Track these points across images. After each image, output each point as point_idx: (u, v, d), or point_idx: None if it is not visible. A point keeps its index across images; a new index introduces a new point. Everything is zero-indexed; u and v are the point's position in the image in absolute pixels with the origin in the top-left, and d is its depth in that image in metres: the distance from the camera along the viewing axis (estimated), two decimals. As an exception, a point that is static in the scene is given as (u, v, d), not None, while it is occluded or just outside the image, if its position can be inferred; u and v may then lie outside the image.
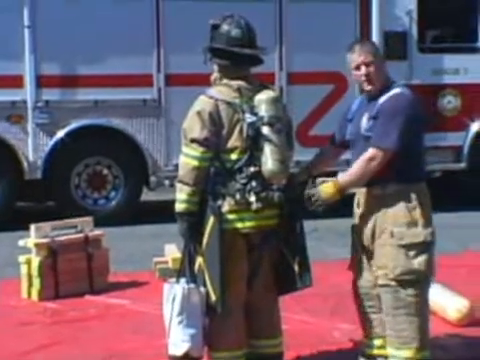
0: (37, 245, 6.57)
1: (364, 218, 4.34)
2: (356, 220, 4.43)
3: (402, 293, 4.23)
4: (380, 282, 4.29)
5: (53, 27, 9.75)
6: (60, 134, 9.86)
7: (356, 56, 4.30)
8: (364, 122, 4.30)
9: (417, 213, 4.23)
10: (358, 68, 4.30)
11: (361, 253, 4.44)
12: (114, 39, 9.87)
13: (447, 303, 5.64)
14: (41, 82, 9.82)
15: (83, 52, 9.80)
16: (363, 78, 4.29)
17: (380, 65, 4.32)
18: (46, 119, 9.84)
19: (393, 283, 4.24)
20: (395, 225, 4.22)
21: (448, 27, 11.47)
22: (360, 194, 4.38)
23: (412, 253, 4.22)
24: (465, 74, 10.94)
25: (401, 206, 4.21)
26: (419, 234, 4.22)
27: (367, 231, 4.33)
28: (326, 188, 4.22)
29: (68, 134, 9.86)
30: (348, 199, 4.46)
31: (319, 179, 4.26)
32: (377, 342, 4.49)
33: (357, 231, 4.43)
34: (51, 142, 9.87)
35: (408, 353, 4.26)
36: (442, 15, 11.01)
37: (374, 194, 4.28)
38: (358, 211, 4.41)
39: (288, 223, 4.35)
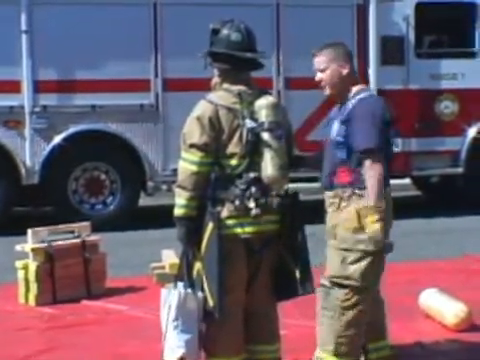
0: (34, 250, 6.56)
1: (328, 221, 4.37)
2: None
3: (331, 295, 4.25)
4: (320, 281, 4.33)
5: (50, 32, 9.76)
6: (57, 139, 9.87)
7: (314, 62, 4.41)
8: (335, 128, 4.34)
9: (368, 220, 4.16)
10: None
11: None
12: (111, 44, 9.88)
13: (445, 308, 5.64)
14: (38, 87, 9.83)
15: (80, 57, 9.80)
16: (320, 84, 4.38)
17: (336, 71, 4.34)
18: (44, 124, 9.84)
19: (326, 283, 4.26)
20: (343, 229, 4.21)
21: (445, 32, 11.51)
22: (325, 198, 4.41)
23: (350, 259, 4.20)
24: (462, 79, 10.97)
25: (353, 211, 4.19)
26: (361, 241, 4.16)
27: (328, 234, 4.34)
28: (372, 224, 4.12)
29: (65, 139, 9.86)
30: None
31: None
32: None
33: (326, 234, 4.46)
34: (48, 147, 9.87)
35: (322, 354, 4.29)
36: (439, 20, 11.05)
37: (334, 197, 4.30)
38: (326, 215, 4.43)
39: (290, 231, 4.34)
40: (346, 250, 4.21)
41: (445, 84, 10.96)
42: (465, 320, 5.54)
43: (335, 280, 4.24)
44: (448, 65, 10.98)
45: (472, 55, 11.12)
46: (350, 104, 4.30)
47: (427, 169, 11.06)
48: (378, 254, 4.20)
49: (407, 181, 12.56)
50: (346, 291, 4.23)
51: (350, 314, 4.24)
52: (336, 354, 4.27)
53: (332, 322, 4.24)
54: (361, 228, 4.17)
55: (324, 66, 4.35)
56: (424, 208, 11.40)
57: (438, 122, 10.91)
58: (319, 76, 4.38)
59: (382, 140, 4.20)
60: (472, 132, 11.02)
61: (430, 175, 11.63)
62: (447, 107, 10.99)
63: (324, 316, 4.28)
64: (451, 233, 8.96)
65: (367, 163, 4.18)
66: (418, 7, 10.78)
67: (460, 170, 11.04)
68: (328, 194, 4.36)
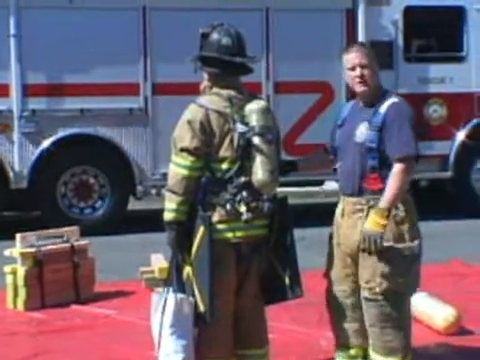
0: (23, 255, 6.53)
1: (349, 229, 4.32)
2: (339, 230, 4.40)
3: (389, 307, 4.23)
4: (366, 295, 4.28)
5: (39, 36, 9.73)
6: (46, 143, 9.84)
7: (352, 57, 4.31)
8: (362, 131, 4.27)
9: (405, 226, 4.21)
10: (353, 69, 4.30)
11: (339, 262, 4.43)
12: (101, 48, 9.86)
13: (434, 312, 5.65)
14: (27, 91, 9.80)
15: (69, 61, 9.78)
16: (357, 79, 4.28)
17: (374, 70, 4.31)
18: (32, 128, 9.82)
19: (380, 297, 4.23)
20: (385, 240, 4.17)
21: (433, 37, 11.55)
22: (346, 203, 4.36)
23: (399, 267, 4.20)
24: (451, 83, 11.00)
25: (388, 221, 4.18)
26: (406, 248, 4.20)
27: (352, 242, 4.29)
28: (375, 223, 4.13)
29: (54, 143, 9.84)
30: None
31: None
32: (352, 352, 4.49)
33: (340, 241, 4.40)
34: (37, 151, 9.84)
35: None
36: (427, 25, 11.08)
37: (362, 204, 4.26)
38: (342, 220, 4.38)
39: (279, 235, 4.33)
40: (392, 261, 4.17)
41: (433, 88, 10.99)
42: (454, 324, 5.55)
43: (389, 292, 4.20)
44: (436, 69, 11.01)
45: (460, 59, 11.15)
46: (382, 108, 4.24)
47: (416, 173, 11.06)
48: (421, 256, 4.27)
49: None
50: (402, 297, 4.25)
51: (409, 316, 4.33)
52: (407, 354, 4.30)
53: (397, 330, 4.24)
54: (401, 235, 4.19)
55: (366, 62, 4.27)
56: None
57: (427, 126, 10.93)
58: (360, 71, 4.26)
59: (417, 145, 4.20)
60: (460, 136, 11.05)
61: (419, 179, 11.66)
62: (435, 111, 11.03)
63: (387, 328, 4.23)
64: (440, 237, 8.98)
65: (400, 167, 4.15)
66: (407, 12, 10.82)
67: (449, 174, 11.07)
68: (352, 200, 4.30)
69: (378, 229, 4.13)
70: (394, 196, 4.15)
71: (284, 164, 4.48)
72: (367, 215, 4.21)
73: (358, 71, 4.28)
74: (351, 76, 4.32)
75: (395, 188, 4.15)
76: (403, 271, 4.22)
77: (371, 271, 4.23)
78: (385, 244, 4.16)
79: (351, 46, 4.44)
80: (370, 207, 4.21)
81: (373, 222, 4.14)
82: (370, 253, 4.17)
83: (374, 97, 4.31)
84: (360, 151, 4.26)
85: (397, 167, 4.16)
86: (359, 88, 4.31)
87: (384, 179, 4.21)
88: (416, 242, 4.24)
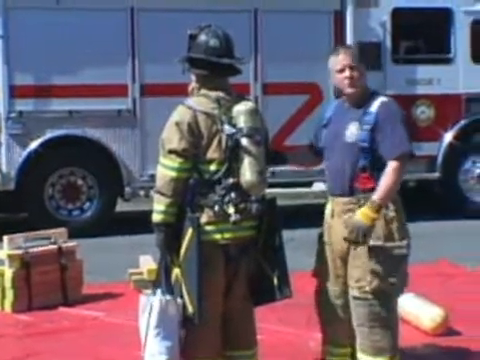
0: (10, 256, 6.51)
1: (339, 228, 4.33)
2: (329, 230, 4.41)
3: (378, 307, 4.24)
4: (355, 294, 4.29)
5: (26, 37, 9.70)
6: (34, 145, 9.80)
7: (341, 58, 4.31)
8: (353, 132, 4.28)
9: (394, 225, 4.23)
10: (342, 71, 4.30)
11: (330, 263, 4.43)
12: (89, 49, 9.84)
13: (421, 312, 5.67)
14: (14, 92, 9.77)
15: (57, 62, 9.76)
16: (346, 81, 4.28)
17: (362, 71, 4.33)
18: (20, 130, 9.78)
19: (369, 296, 4.24)
20: (372, 238, 4.19)
21: (421, 38, 11.59)
22: (335, 204, 4.36)
23: (389, 267, 4.22)
24: (438, 84, 11.04)
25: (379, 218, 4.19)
26: (396, 247, 4.21)
27: (342, 242, 4.31)
28: (365, 216, 4.14)
29: (42, 145, 9.81)
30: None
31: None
32: (342, 350, 4.50)
33: (330, 241, 4.41)
34: (25, 153, 9.80)
35: None
36: (415, 26, 11.12)
37: (353, 203, 4.27)
38: (332, 221, 4.39)
39: (267, 236, 4.33)
40: (382, 260, 4.19)
41: (421, 89, 11.03)
42: (442, 324, 5.57)
43: (379, 291, 4.22)
44: (424, 71, 11.05)
45: (448, 61, 11.20)
46: (373, 107, 4.25)
47: (404, 174, 11.08)
48: (409, 256, 4.30)
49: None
50: (390, 297, 4.27)
51: (397, 316, 4.35)
52: (395, 355, 4.31)
53: (385, 330, 4.25)
54: (391, 234, 4.20)
55: (356, 64, 4.29)
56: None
57: (415, 127, 10.96)
58: (349, 72, 4.27)
59: (411, 144, 4.23)
60: (448, 137, 11.09)
61: (407, 180, 11.69)
62: (423, 112, 11.06)
63: (375, 327, 4.25)
64: (427, 238, 9.00)
65: (394, 165, 4.17)
66: (395, 13, 10.85)
67: (436, 175, 11.11)
68: (342, 200, 4.30)
69: (367, 222, 4.14)
70: (388, 192, 4.17)
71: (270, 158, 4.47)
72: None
73: (348, 72, 4.28)
74: (340, 78, 4.32)
75: (389, 185, 4.17)
76: (392, 270, 4.23)
77: (361, 270, 4.24)
78: (375, 243, 4.18)
79: (338, 48, 4.44)
80: (360, 206, 4.22)
81: (363, 214, 4.16)
82: (354, 243, 4.18)
83: (362, 98, 4.32)
84: (352, 151, 4.27)
85: (392, 165, 4.18)
86: (348, 89, 4.31)
87: (375, 178, 4.22)
88: (405, 242, 4.26)
